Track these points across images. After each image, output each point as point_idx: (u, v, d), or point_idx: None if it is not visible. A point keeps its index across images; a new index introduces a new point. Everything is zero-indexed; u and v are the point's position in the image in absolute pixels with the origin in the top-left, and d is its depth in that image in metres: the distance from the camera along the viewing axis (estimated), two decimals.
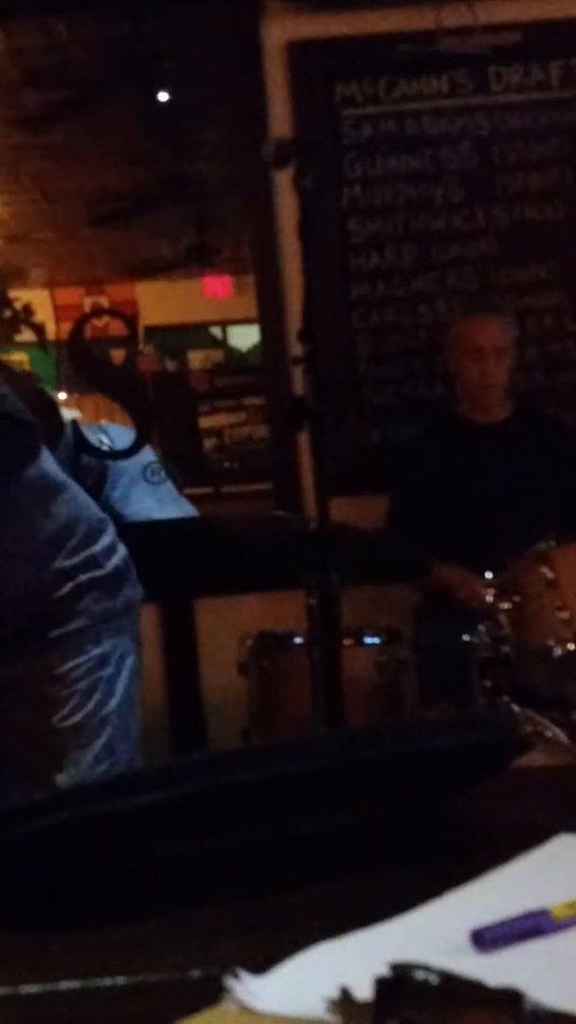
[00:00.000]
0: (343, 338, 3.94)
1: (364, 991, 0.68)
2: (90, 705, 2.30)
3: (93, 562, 2.36)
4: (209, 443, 8.76)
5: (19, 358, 8.16)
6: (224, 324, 10.72)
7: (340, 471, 3.06)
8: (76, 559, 2.35)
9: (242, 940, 0.86)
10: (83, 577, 2.33)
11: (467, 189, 4.01)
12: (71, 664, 2.29)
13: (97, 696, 2.30)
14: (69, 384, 7.05)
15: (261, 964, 0.77)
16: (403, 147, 3.98)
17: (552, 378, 4.03)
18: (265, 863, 1.02)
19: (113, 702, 2.33)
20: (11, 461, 2.41)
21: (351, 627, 3.13)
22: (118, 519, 2.53)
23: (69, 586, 2.31)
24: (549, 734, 2.77)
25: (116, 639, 2.35)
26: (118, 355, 4.94)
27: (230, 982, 0.75)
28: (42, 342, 7.74)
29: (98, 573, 2.36)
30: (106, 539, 2.40)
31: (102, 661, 2.32)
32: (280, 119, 3.92)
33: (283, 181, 3.29)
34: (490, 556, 3.09)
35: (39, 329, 8.15)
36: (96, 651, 2.32)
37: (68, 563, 2.34)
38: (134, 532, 2.62)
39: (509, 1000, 0.65)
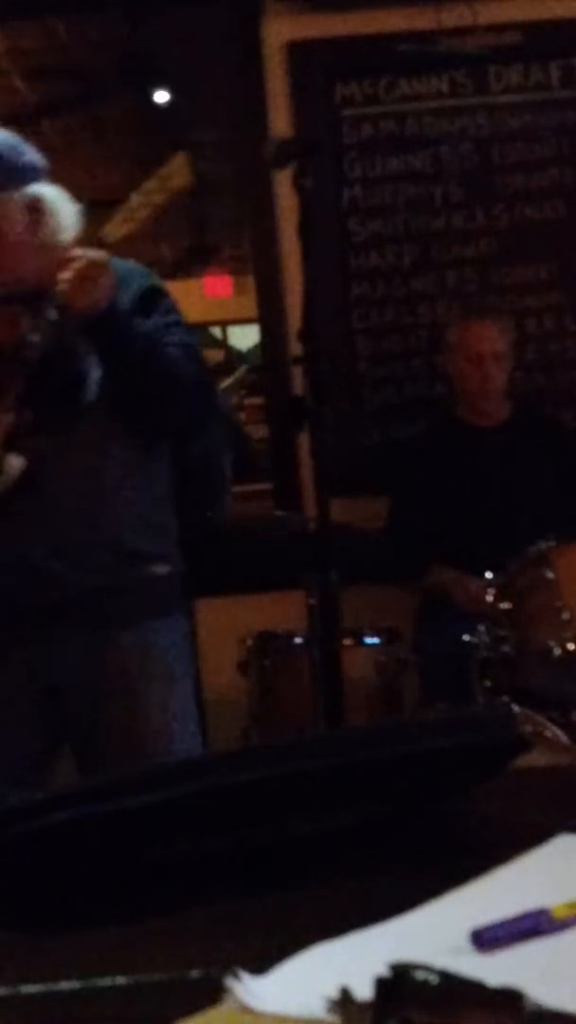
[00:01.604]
0: (343, 338, 3.93)
1: (364, 991, 0.68)
2: (170, 689, 2.38)
3: (177, 557, 2.44)
4: None
5: None
6: (224, 324, 10.71)
7: (340, 471, 3.05)
8: (173, 551, 2.47)
9: (242, 940, 0.86)
10: (169, 569, 2.43)
11: (467, 189, 4.01)
12: (160, 646, 2.39)
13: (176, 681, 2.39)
14: None
15: (261, 964, 0.77)
16: (403, 147, 3.98)
17: (552, 378, 4.03)
18: (265, 863, 1.03)
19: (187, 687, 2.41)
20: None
21: (351, 627, 3.13)
22: None
23: (168, 569, 2.44)
24: (549, 734, 2.77)
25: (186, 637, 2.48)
26: None
27: (230, 982, 0.75)
28: None
29: (178, 569, 2.44)
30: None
31: (180, 649, 2.44)
32: (280, 119, 3.91)
33: (283, 181, 3.28)
34: (490, 556, 3.09)
35: None
36: (179, 639, 2.45)
37: (166, 550, 2.46)
38: None
39: (509, 1000, 0.65)
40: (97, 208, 7.81)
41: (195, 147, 6.82)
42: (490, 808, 1.14)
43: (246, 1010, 0.73)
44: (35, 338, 2.25)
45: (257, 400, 4.43)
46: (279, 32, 3.93)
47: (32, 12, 4.47)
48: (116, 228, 2.03)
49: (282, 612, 3.36)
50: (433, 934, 0.83)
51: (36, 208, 2.36)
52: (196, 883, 1.00)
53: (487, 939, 0.80)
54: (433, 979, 0.67)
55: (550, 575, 2.93)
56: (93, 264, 2.25)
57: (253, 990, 0.74)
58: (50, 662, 2.33)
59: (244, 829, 1.05)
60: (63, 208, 2.40)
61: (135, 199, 1.98)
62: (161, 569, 2.42)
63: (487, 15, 3.89)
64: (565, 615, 2.89)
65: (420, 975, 0.67)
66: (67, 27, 5.17)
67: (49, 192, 2.39)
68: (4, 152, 2.34)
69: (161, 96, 5.94)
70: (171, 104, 6.02)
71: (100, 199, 7.74)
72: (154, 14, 4.53)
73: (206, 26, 4.46)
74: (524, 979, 0.68)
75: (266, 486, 4.04)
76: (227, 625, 3.62)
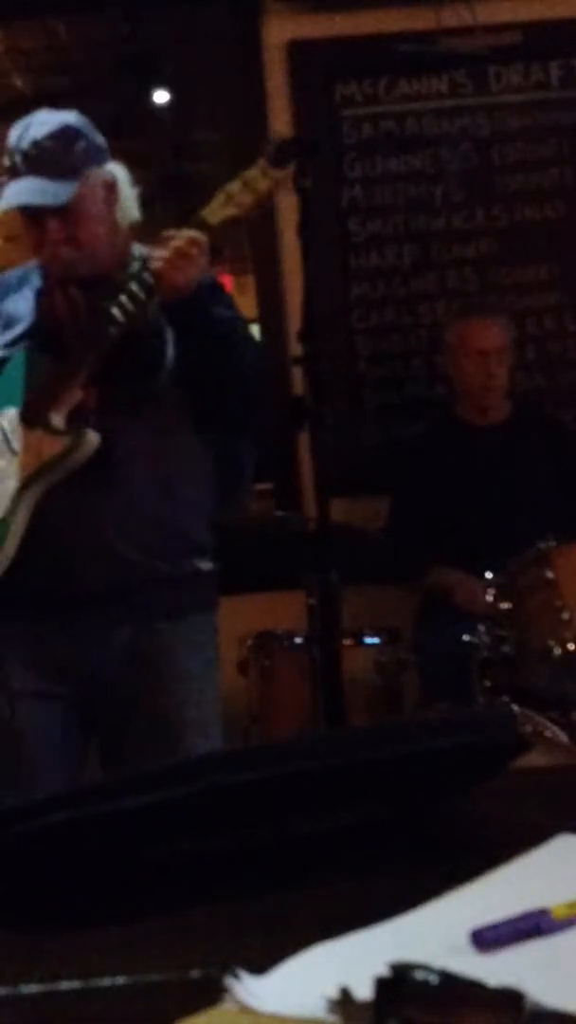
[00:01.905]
0: (343, 338, 3.93)
1: (364, 991, 0.68)
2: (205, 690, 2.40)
3: (213, 555, 2.49)
4: None
5: None
6: None
7: (340, 471, 3.05)
8: (212, 546, 2.48)
9: (242, 940, 0.86)
10: (212, 566, 2.47)
11: (467, 189, 4.01)
12: (198, 642, 2.42)
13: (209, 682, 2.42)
14: None
15: (261, 964, 0.77)
16: (403, 147, 3.98)
17: (552, 378, 4.03)
18: (265, 863, 1.02)
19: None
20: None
21: (351, 627, 3.13)
22: None
23: (211, 565, 2.47)
24: (549, 734, 2.77)
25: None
26: None
27: (230, 982, 0.75)
28: None
29: (216, 566, 2.49)
30: None
31: (213, 646, 2.48)
32: (280, 119, 3.91)
33: (283, 181, 3.28)
34: (490, 556, 3.09)
35: None
36: (213, 636, 2.48)
37: (210, 544, 2.47)
38: None
39: (509, 1000, 0.65)
40: None
41: (195, 147, 6.82)
42: (490, 808, 1.14)
43: (246, 1010, 0.73)
44: (118, 315, 2.22)
45: None
46: (279, 32, 3.93)
47: (32, 12, 4.47)
48: (216, 211, 2.02)
49: (282, 612, 3.36)
50: (433, 934, 0.83)
51: (111, 188, 2.37)
52: (196, 883, 1.00)
53: (487, 939, 0.80)
54: (433, 979, 0.66)
55: (550, 575, 2.93)
56: (192, 242, 2.22)
57: (253, 990, 0.74)
58: (90, 650, 2.31)
59: (244, 829, 1.05)
60: (129, 190, 2.42)
61: (234, 184, 1.99)
62: (206, 565, 2.44)
63: (487, 15, 3.89)
64: (565, 615, 2.89)
65: (420, 975, 0.67)
66: (67, 27, 5.17)
67: (120, 173, 2.40)
68: (84, 130, 2.35)
69: (161, 96, 5.94)
70: (171, 104, 6.02)
71: None
72: (154, 14, 4.53)
73: (206, 26, 4.45)
74: (524, 979, 0.68)
75: (266, 486, 4.04)
76: (227, 625, 3.62)
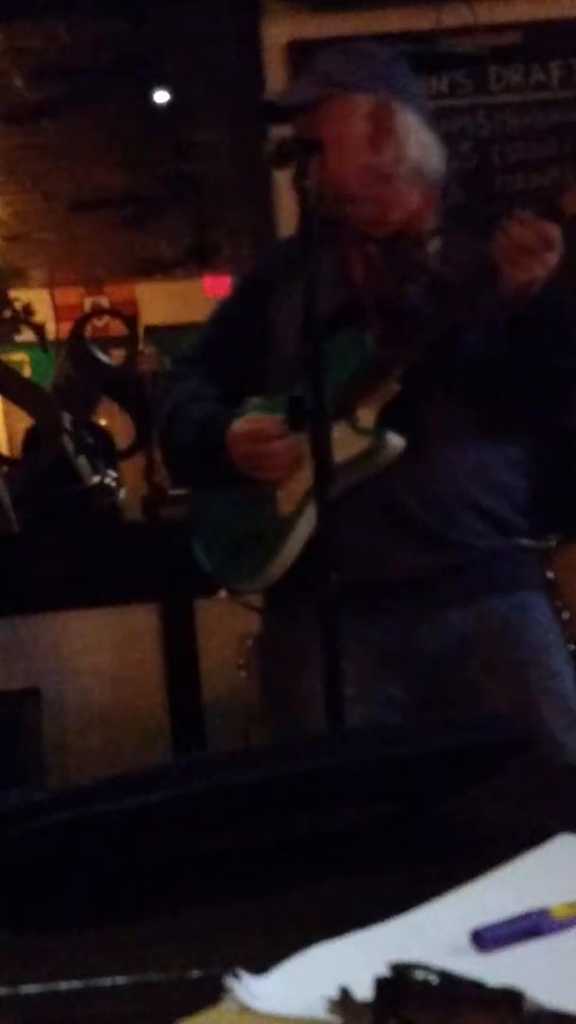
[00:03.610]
0: None
1: (364, 991, 0.68)
2: None
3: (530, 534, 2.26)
4: None
5: (19, 358, 8.14)
6: None
7: None
8: (524, 527, 2.22)
9: (242, 940, 0.86)
10: (530, 543, 2.24)
11: (467, 189, 4.01)
12: (533, 617, 2.18)
13: None
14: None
15: (261, 964, 0.77)
16: None
17: None
18: (265, 863, 1.02)
19: None
20: None
21: None
22: None
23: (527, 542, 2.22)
24: None
25: None
26: (118, 355, 4.93)
27: (230, 982, 0.75)
28: (42, 342, 7.72)
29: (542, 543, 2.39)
30: None
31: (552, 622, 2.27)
32: None
33: (283, 181, 3.28)
34: None
35: (39, 329, 8.13)
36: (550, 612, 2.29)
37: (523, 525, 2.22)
38: (134, 531, 2.63)
39: (509, 1000, 0.65)
40: (98, 207, 7.82)
41: (195, 147, 6.82)
42: (490, 808, 1.14)
43: (246, 1010, 0.73)
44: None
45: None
46: (279, 32, 3.93)
47: (32, 12, 4.47)
48: None
49: None
50: (433, 934, 0.83)
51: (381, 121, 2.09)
52: (196, 883, 1.00)
53: (487, 939, 0.80)
54: (433, 979, 0.66)
55: (550, 575, 2.93)
56: (539, 235, 1.96)
57: (253, 990, 0.74)
58: (420, 639, 2.08)
59: (245, 829, 1.05)
60: (424, 135, 2.25)
61: None
62: (526, 541, 2.17)
63: (487, 15, 3.89)
64: (565, 615, 2.89)
65: (420, 975, 0.67)
66: (67, 27, 5.17)
67: (411, 117, 2.19)
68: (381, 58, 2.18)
69: (161, 96, 5.94)
70: (171, 104, 6.02)
71: (99, 199, 7.75)
72: (154, 14, 4.53)
73: (206, 26, 4.46)
74: (524, 979, 0.68)
75: None
76: (227, 625, 3.62)
